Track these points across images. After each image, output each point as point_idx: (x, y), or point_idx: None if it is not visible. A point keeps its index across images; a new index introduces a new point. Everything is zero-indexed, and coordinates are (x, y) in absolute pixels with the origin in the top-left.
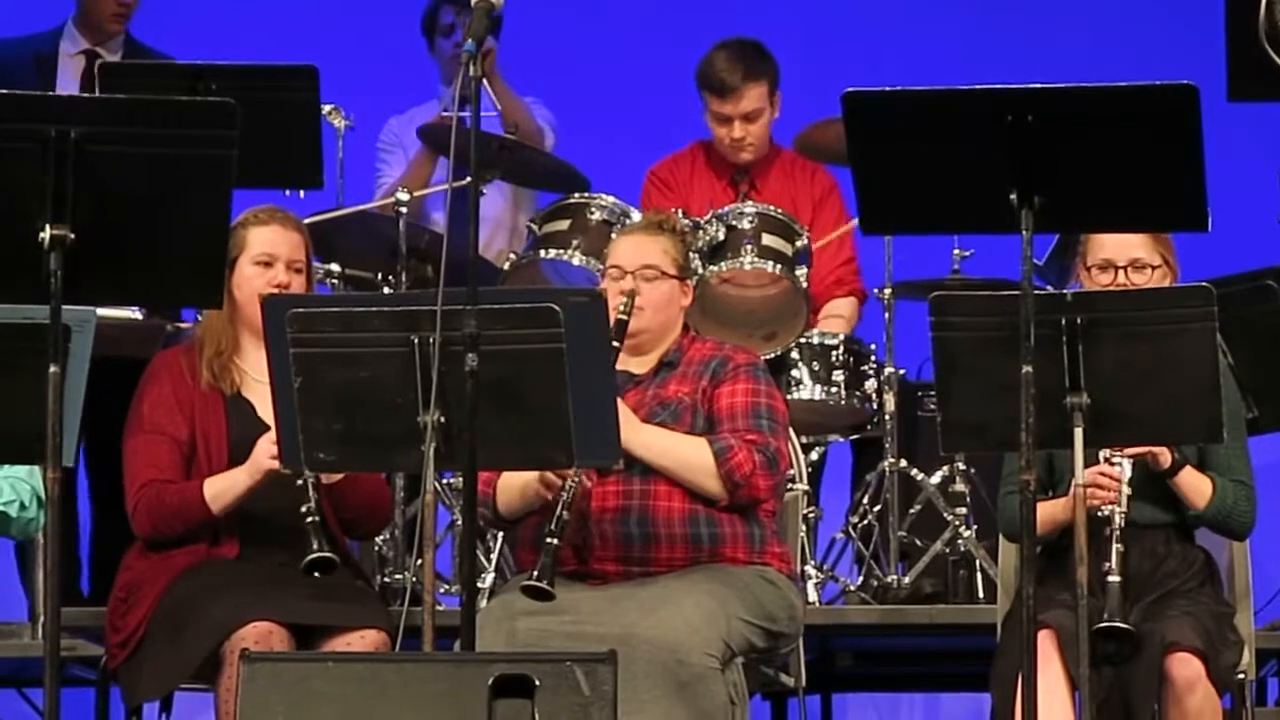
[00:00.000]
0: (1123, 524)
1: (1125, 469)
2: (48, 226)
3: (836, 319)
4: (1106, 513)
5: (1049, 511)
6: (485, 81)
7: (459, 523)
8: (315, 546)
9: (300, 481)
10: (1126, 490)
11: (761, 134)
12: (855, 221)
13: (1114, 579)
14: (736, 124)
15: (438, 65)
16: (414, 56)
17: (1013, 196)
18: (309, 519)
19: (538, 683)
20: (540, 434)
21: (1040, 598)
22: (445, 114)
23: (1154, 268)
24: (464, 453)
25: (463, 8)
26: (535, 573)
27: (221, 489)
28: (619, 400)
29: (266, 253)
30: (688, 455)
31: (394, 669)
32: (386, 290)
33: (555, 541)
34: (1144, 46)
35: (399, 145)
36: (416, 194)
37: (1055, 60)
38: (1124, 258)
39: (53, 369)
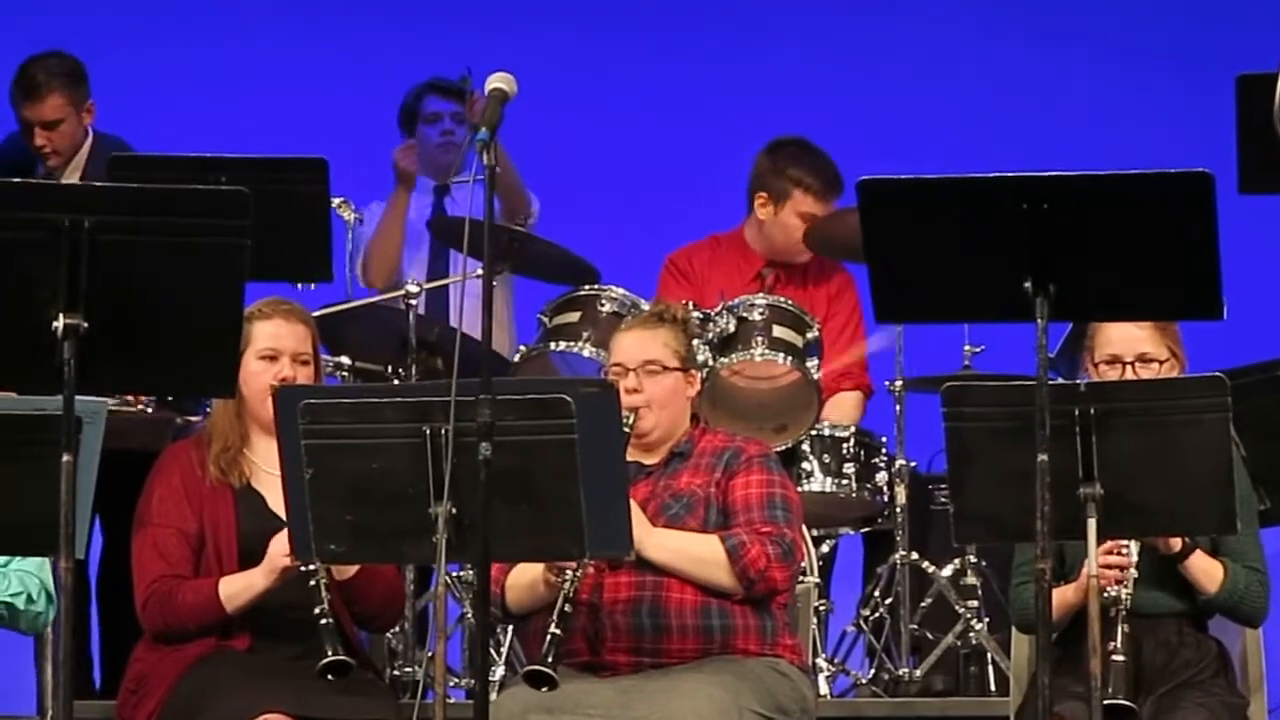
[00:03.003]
0: (1128, 604)
1: (1132, 550)
2: (61, 316)
3: (840, 415)
4: (1113, 593)
5: (1060, 597)
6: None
7: (469, 615)
8: (330, 651)
9: (313, 583)
10: (1133, 572)
11: None
12: (869, 344)
13: (1119, 658)
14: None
15: (418, 156)
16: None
17: (1027, 285)
18: (323, 620)
19: None
20: (552, 525)
21: (1053, 688)
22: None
23: (1161, 361)
24: (475, 544)
25: (452, 95)
26: (539, 660)
27: (237, 590)
28: (632, 502)
29: (271, 347)
30: (702, 554)
31: None
32: (396, 383)
33: (559, 632)
34: (1156, 139)
35: None
36: (428, 286)
37: (1066, 150)
38: (1131, 353)
39: (66, 458)
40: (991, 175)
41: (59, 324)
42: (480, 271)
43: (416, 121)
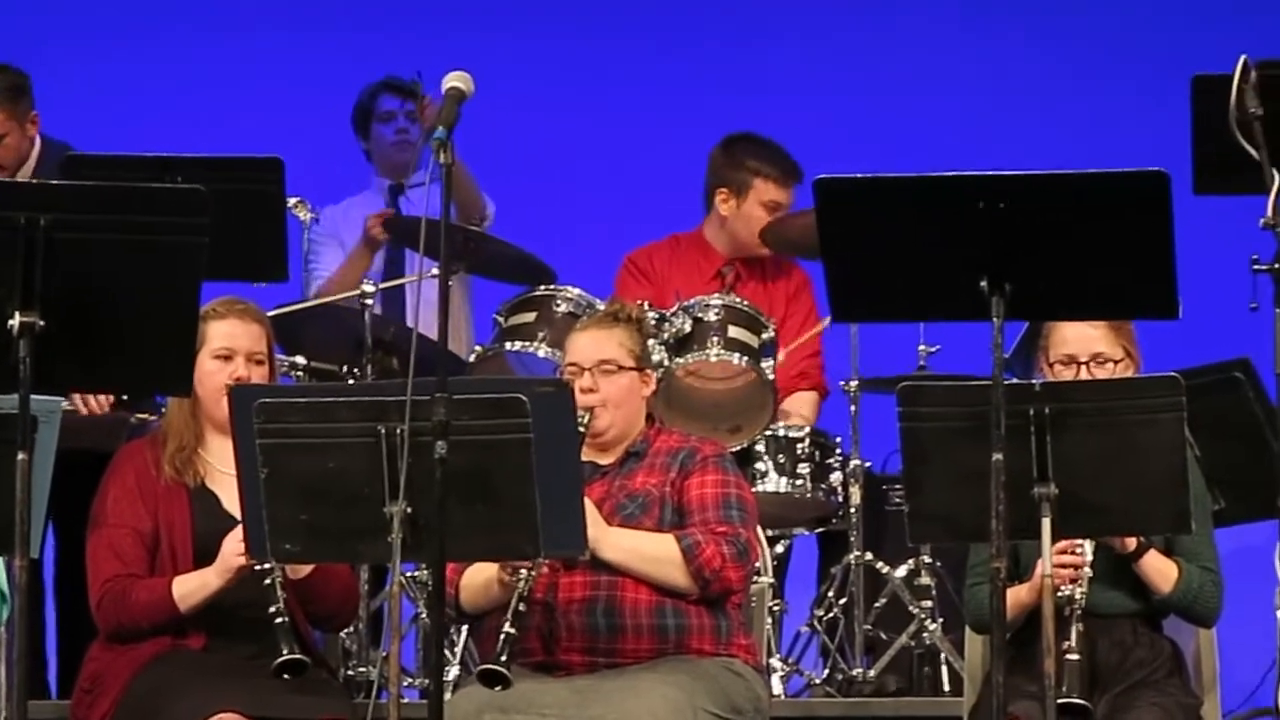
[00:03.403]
0: (1083, 604)
1: (1086, 549)
2: (17, 314)
3: (796, 414)
4: (1068, 592)
5: (1014, 597)
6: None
7: (423, 615)
8: (285, 650)
9: (267, 581)
10: (1088, 571)
11: None
12: (825, 321)
13: (1073, 657)
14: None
15: (371, 155)
16: (348, 146)
17: (983, 284)
18: (278, 619)
19: None
20: (507, 525)
21: (1007, 688)
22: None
23: (1116, 361)
24: (430, 543)
25: (406, 95)
26: (492, 659)
27: (191, 589)
28: (587, 502)
29: (226, 346)
30: (657, 554)
31: None
32: (351, 382)
33: (513, 631)
34: (1114, 140)
35: (333, 238)
36: (383, 286)
37: (1025, 151)
38: (1086, 352)
39: (21, 456)
40: (948, 174)
41: (14, 322)
42: (436, 271)
43: (371, 120)
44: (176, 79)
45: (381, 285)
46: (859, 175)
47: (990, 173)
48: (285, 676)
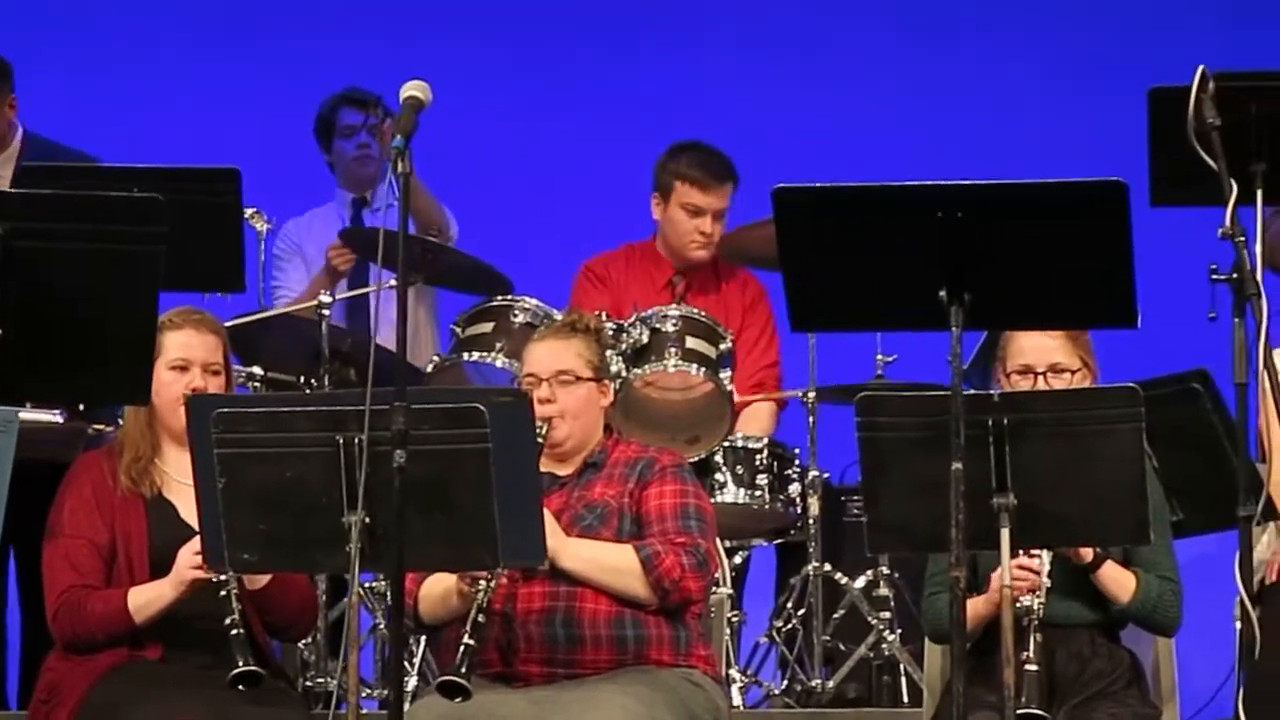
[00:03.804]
0: (1041, 614)
1: (1044, 560)
2: None
3: (754, 422)
4: (1026, 603)
5: (972, 609)
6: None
7: (380, 626)
8: (241, 662)
9: (223, 593)
10: (1046, 581)
11: (719, 235)
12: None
13: (1031, 668)
14: (709, 218)
15: (335, 168)
16: (310, 159)
17: (942, 293)
18: (233, 631)
19: None
20: (465, 534)
21: (966, 698)
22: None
23: (1073, 371)
24: (389, 553)
25: (369, 108)
26: (451, 669)
27: (146, 600)
28: (546, 512)
29: (182, 357)
30: (617, 564)
31: None
32: (309, 393)
33: (472, 642)
34: (1070, 153)
35: (296, 252)
36: (340, 296)
37: (983, 161)
38: (1043, 363)
39: None
40: (905, 184)
41: None
42: (393, 282)
43: (333, 135)
44: (134, 87)
45: (339, 296)
46: (817, 185)
47: (947, 182)
48: (240, 688)
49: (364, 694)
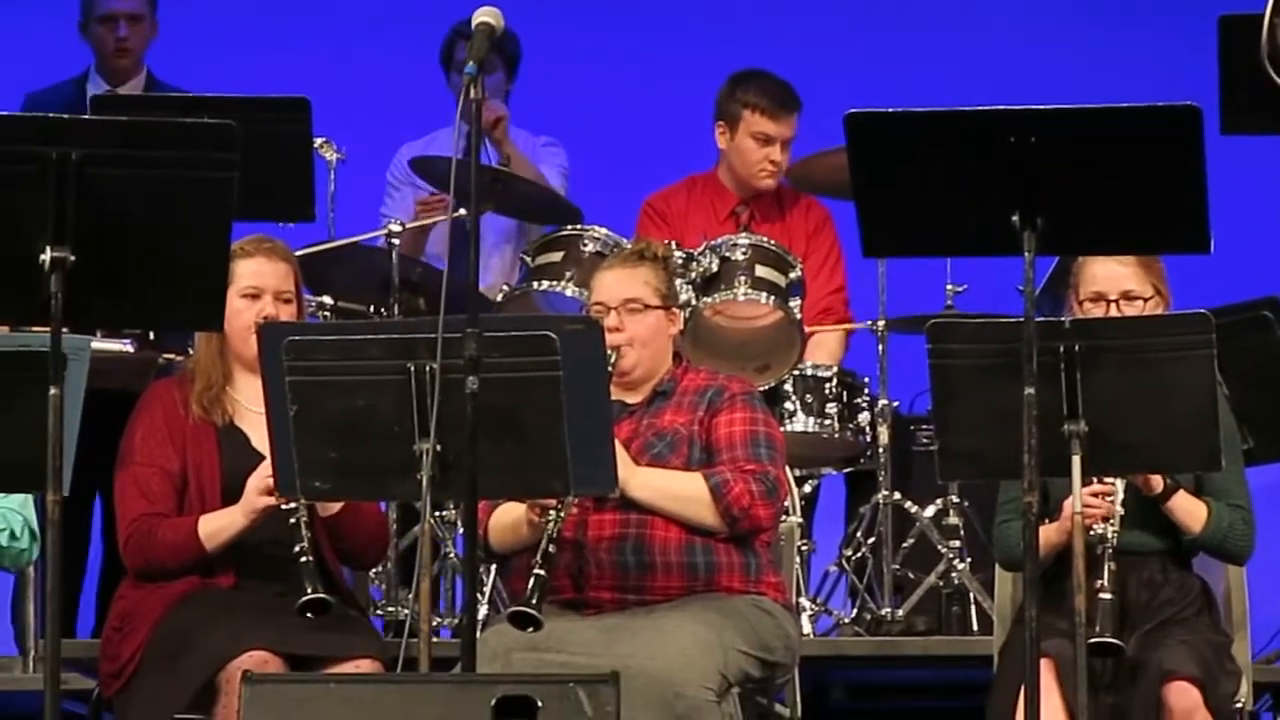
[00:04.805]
0: (1115, 543)
1: (1118, 488)
2: (48, 248)
3: (822, 350)
4: (1100, 531)
5: (1044, 536)
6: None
7: (450, 556)
8: (309, 589)
9: (293, 520)
10: (1119, 509)
11: (786, 163)
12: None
13: (1106, 596)
14: (779, 146)
15: (455, 96)
16: (415, 90)
17: (1015, 218)
18: (302, 559)
19: (540, 704)
20: (536, 462)
21: (1039, 625)
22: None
23: (1146, 299)
24: (460, 481)
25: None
26: (523, 600)
27: (217, 528)
28: (616, 441)
29: (253, 285)
30: (686, 492)
31: (396, 690)
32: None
33: (543, 573)
34: (1142, 79)
35: (408, 182)
36: (410, 225)
37: (1051, 89)
38: (1115, 290)
39: (53, 391)
40: (979, 108)
41: (46, 257)
42: (465, 211)
43: (450, 67)
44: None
45: (410, 224)
46: (889, 110)
47: (1021, 107)
48: (309, 615)
49: (435, 622)
